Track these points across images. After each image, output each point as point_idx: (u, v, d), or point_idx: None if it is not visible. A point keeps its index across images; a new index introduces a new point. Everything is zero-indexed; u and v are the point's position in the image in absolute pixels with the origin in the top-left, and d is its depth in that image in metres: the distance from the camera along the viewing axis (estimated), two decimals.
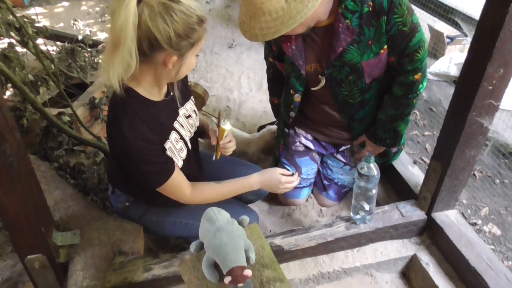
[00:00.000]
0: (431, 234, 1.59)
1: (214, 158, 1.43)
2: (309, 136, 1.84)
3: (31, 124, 1.95)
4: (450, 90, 2.81)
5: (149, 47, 1.05)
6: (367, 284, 1.55)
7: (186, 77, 1.38)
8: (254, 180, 1.46)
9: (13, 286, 1.37)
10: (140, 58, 1.05)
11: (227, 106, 2.68)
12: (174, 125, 1.30)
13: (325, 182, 1.87)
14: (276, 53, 1.68)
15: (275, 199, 1.93)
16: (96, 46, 2.89)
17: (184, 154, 1.34)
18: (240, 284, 0.83)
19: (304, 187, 1.86)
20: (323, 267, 1.54)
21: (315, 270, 1.54)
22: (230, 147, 1.44)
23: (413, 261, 1.56)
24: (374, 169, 1.42)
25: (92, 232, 1.37)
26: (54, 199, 1.39)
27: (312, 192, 1.95)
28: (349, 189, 1.87)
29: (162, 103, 1.25)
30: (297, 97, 1.67)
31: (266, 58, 1.83)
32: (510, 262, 1.65)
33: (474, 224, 1.79)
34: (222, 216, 0.94)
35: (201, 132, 1.51)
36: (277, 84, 1.88)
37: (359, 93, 1.56)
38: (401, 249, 1.58)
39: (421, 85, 1.51)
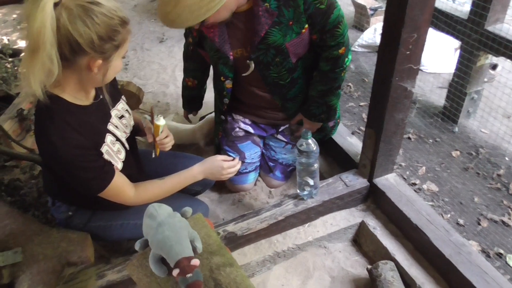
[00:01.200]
0: (375, 199, 1.66)
1: (153, 155, 1.42)
2: (247, 121, 1.86)
3: None
4: None
5: (70, 52, 1.01)
6: (321, 255, 1.61)
7: (114, 78, 1.34)
8: (197, 171, 1.46)
9: None
10: (62, 63, 1.00)
11: (166, 102, 2.63)
12: (108, 127, 1.26)
13: (270, 163, 1.90)
14: (197, 39, 1.65)
15: (224, 187, 1.94)
16: (17, 55, 2.73)
17: (122, 155, 1.31)
18: (189, 275, 0.83)
19: (250, 171, 1.88)
20: (277, 246, 1.58)
21: (270, 250, 1.57)
22: (167, 143, 1.43)
23: (362, 227, 1.63)
24: (312, 145, 1.46)
25: (35, 247, 1.31)
26: None
27: (259, 175, 1.98)
28: (294, 167, 1.92)
29: (91, 107, 1.21)
30: (228, 84, 1.67)
31: (186, 35, 1.80)
32: (449, 215, 1.76)
33: (413, 184, 1.90)
34: (162, 210, 0.93)
35: (137, 130, 1.48)
36: (195, 63, 1.86)
37: (288, 73, 1.59)
38: (349, 217, 1.64)
39: (346, 59, 1.56)
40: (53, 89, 1.09)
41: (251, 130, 1.87)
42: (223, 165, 1.51)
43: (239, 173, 1.87)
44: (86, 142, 1.14)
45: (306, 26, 1.47)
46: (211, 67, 1.83)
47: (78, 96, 1.16)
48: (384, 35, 1.31)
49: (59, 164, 1.13)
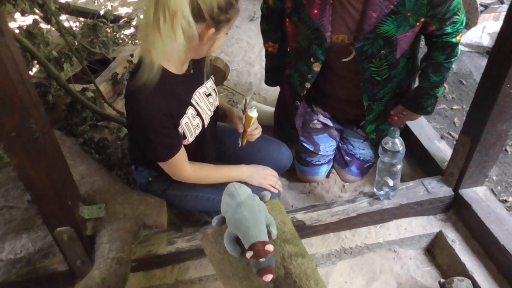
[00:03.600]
0: (458, 211, 1.55)
1: (240, 145, 1.43)
2: (327, 114, 1.78)
3: (56, 100, 1.98)
4: (482, 61, 2.68)
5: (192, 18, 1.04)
6: (390, 259, 1.54)
7: (208, 58, 1.37)
8: (244, 169, 1.47)
9: (44, 257, 1.43)
10: None
11: (250, 82, 2.64)
12: (191, 100, 1.29)
13: (347, 158, 1.84)
14: (289, 10, 1.49)
15: (294, 174, 1.91)
16: (118, 21, 2.88)
17: (198, 131, 1.34)
18: (262, 259, 0.83)
19: (322, 164, 1.83)
20: (345, 242, 1.54)
21: (337, 245, 1.53)
22: (256, 134, 1.44)
23: (438, 237, 1.53)
24: (399, 144, 1.39)
25: (117, 205, 1.39)
26: (80, 174, 1.41)
27: (334, 168, 1.93)
28: (372, 164, 1.84)
29: (181, 78, 1.25)
30: (317, 66, 1.52)
31: None
32: None
33: (504, 202, 1.73)
34: (243, 191, 0.93)
35: (221, 116, 1.51)
36: (275, 24, 1.69)
37: (388, 69, 1.48)
38: (426, 225, 1.55)
39: (460, 47, 1.45)
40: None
41: (330, 123, 1.80)
42: (269, 172, 1.50)
43: (311, 164, 1.82)
44: (168, 109, 1.18)
45: (422, 19, 1.36)
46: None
47: (175, 64, 1.20)
48: (501, 34, 1.18)
49: (137, 122, 1.19)
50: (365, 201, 1.54)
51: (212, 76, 1.43)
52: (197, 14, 1.04)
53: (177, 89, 1.23)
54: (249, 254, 0.83)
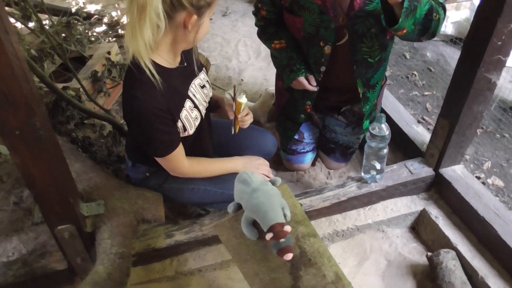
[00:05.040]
0: (439, 189, 1.66)
1: (233, 132, 1.47)
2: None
3: None
4: (447, 49, 2.84)
5: (171, 7, 1.06)
6: (378, 239, 1.63)
7: (196, 47, 1.39)
8: (238, 161, 1.53)
9: (41, 257, 1.41)
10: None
11: (228, 76, 2.67)
12: (188, 93, 1.32)
13: (330, 145, 1.91)
14: (287, 4, 1.52)
15: (281, 164, 1.98)
16: (89, 18, 2.83)
17: (198, 122, 1.36)
18: (282, 239, 0.88)
19: (307, 151, 1.91)
20: (337, 225, 1.61)
21: (329, 229, 1.60)
22: (247, 120, 1.47)
23: (422, 215, 1.63)
24: (385, 129, 1.47)
25: (115, 201, 1.40)
26: (76, 171, 1.41)
27: (319, 156, 2.00)
28: (354, 149, 1.92)
29: (176, 71, 1.26)
30: (328, 49, 1.52)
31: (256, 12, 1.67)
32: None
33: (478, 178, 1.87)
34: (255, 178, 0.97)
35: (213, 106, 1.54)
36: (275, 27, 1.66)
37: (379, 50, 1.53)
38: (410, 204, 1.65)
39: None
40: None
41: (312, 112, 1.85)
42: (262, 161, 1.56)
43: (296, 152, 1.90)
44: (166, 104, 1.20)
45: None
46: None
47: (167, 58, 1.22)
48: (475, 22, 1.28)
49: (136, 118, 1.20)
50: (354, 185, 1.62)
51: (204, 68, 1.45)
52: (177, 3, 1.05)
53: (174, 83, 1.25)
54: (269, 236, 0.88)
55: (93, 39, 2.65)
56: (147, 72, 1.11)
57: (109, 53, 2.33)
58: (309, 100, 1.70)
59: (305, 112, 1.74)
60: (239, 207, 0.98)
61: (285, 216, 0.94)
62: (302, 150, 1.89)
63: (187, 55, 1.33)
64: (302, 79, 1.57)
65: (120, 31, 2.96)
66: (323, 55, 1.56)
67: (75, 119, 1.81)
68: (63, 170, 1.19)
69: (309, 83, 1.59)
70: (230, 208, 1.00)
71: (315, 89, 1.60)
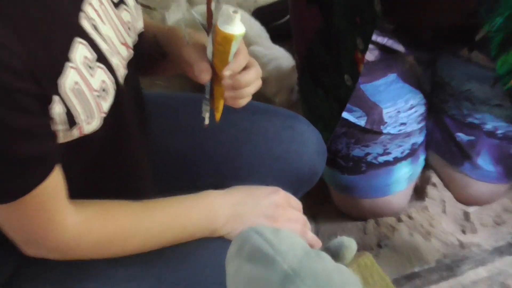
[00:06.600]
0: None
1: (206, 121, 0.57)
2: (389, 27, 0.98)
3: None
4: None
5: None
6: None
7: None
8: (218, 200, 0.59)
9: None
10: None
11: None
12: (79, 21, 0.45)
13: (462, 136, 0.86)
14: None
15: (327, 201, 0.93)
16: None
17: (109, 101, 0.48)
18: None
19: (396, 161, 0.84)
20: None
21: None
22: (247, 86, 0.54)
23: None
24: None
25: None
26: None
27: (433, 168, 0.91)
28: None
29: None
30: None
31: None
32: None
33: None
34: (286, 242, 0.35)
35: (152, 54, 0.62)
36: None
37: None
38: None
39: None
40: None
41: (400, 48, 0.97)
42: (283, 200, 0.62)
43: (365, 165, 0.88)
44: (27, 56, 0.38)
45: None
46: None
47: None
48: None
49: None
50: None
51: None
52: None
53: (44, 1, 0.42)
54: None
55: None
56: None
57: None
58: (360, 36, 0.71)
59: (354, 64, 0.74)
60: None
61: None
62: (381, 158, 0.83)
63: None
64: None
65: None
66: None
67: None
68: None
69: None
70: None
71: None
